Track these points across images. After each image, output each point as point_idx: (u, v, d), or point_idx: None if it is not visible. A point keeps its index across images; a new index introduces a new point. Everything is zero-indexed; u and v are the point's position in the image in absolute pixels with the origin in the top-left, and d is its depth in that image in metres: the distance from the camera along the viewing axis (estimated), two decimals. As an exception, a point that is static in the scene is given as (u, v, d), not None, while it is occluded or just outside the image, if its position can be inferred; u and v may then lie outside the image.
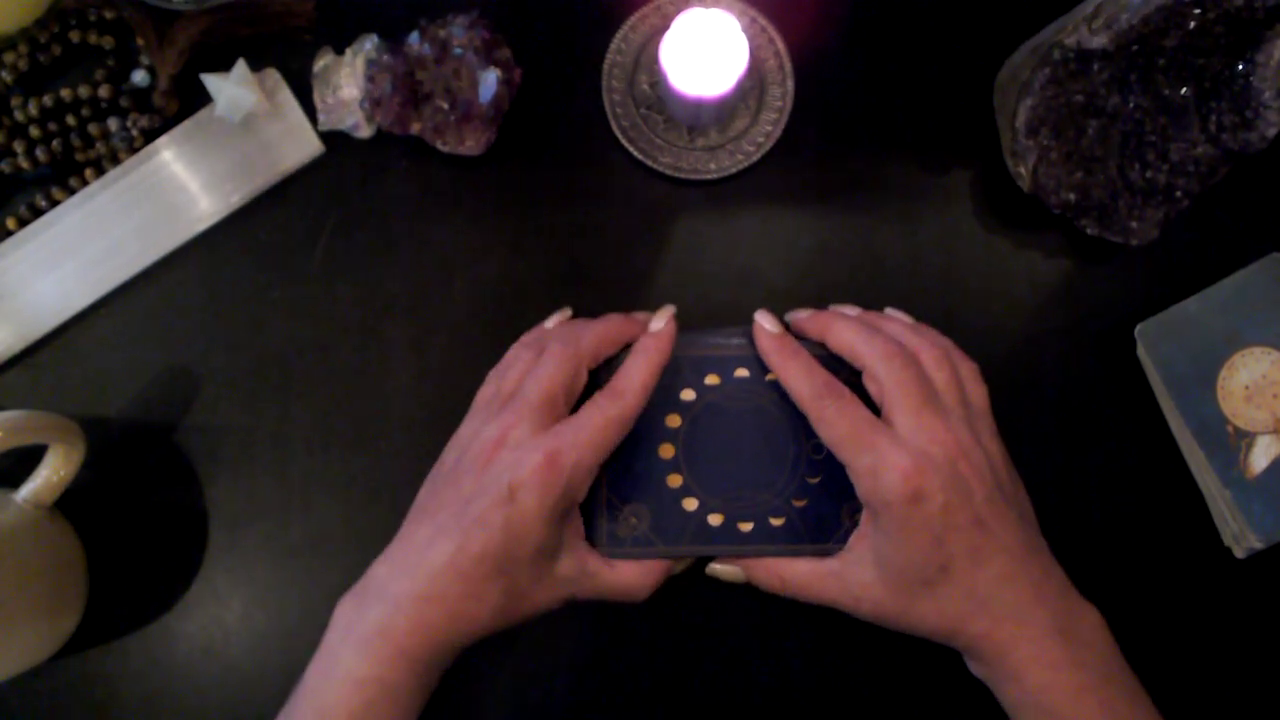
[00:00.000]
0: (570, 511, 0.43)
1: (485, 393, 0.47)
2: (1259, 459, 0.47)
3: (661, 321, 0.46)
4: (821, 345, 0.46)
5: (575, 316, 0.50)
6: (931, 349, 0.44)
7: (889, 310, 0.49)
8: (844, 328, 0.45)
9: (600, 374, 0.46)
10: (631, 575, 0.45)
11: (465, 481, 0.42)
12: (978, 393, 0.45)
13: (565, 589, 0.43)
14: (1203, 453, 0.48)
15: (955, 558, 0.40)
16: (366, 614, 0.41)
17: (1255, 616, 0.50)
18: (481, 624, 0.41)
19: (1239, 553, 0.48)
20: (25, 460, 0.47)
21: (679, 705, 0.50)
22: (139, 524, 0.51)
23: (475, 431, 0.44)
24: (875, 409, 0.43)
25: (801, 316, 0.47)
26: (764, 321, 0.46)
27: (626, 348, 0.46)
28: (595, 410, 0.43)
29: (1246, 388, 0.47)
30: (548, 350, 0.45)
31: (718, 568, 0.47)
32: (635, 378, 0.44)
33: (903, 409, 0.42)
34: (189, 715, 0.50)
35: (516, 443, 0.42)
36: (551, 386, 0.43)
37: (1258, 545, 0.47)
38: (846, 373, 0.45)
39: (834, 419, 0.42)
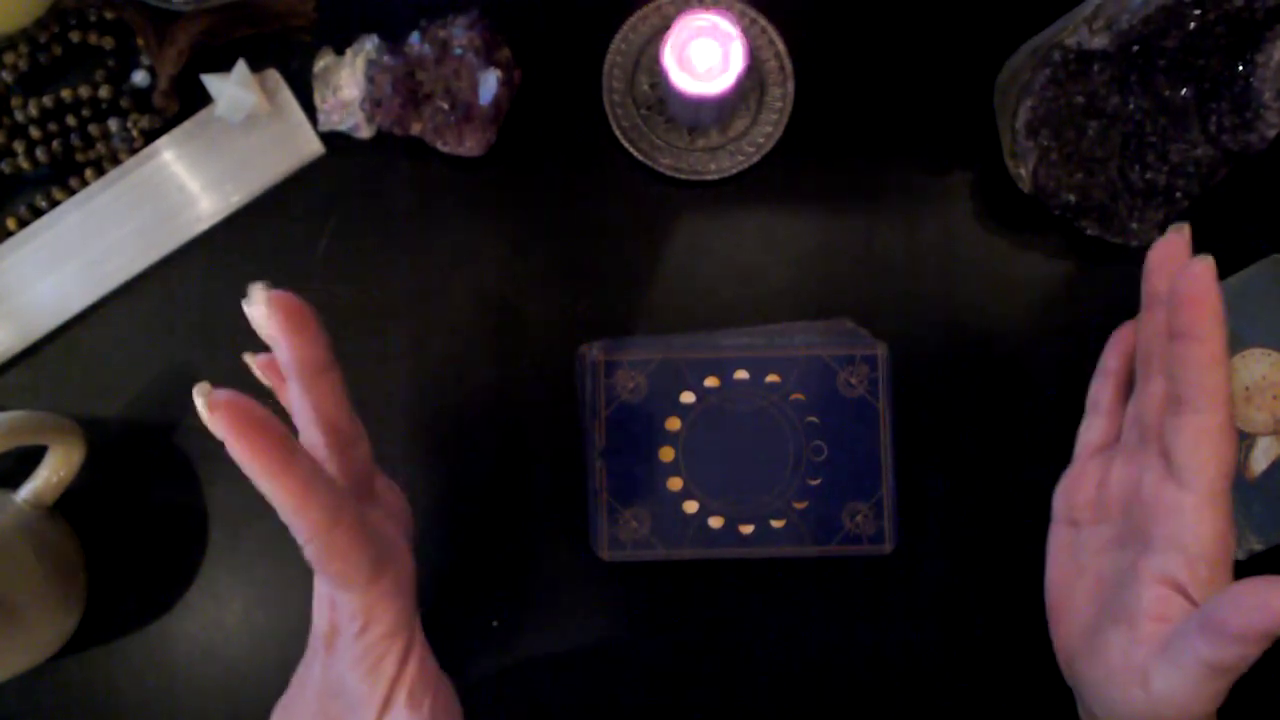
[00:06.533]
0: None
1: None
2: (1259, 460, 0.47)
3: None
4: None
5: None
6: None
7: None
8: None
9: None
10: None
11: None
12: None
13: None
14: (1203, 454, 0.48)
15: None
16: None
17: (1255, 617, 0.50)
18: None
19: (1239, 554, 0.48)
20: (25, 460, 0.47)
21: (679, 705, 0.50)
22: (139, 524, 0.51)
23: None
24: None
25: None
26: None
27: None
28: None
29: (1246, 389, 0.47)
30: None
31: None
32: None
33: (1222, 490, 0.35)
34: (189, 715, 0.50)
35: None
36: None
37: (1258, 546, 0.47)
38: None
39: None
